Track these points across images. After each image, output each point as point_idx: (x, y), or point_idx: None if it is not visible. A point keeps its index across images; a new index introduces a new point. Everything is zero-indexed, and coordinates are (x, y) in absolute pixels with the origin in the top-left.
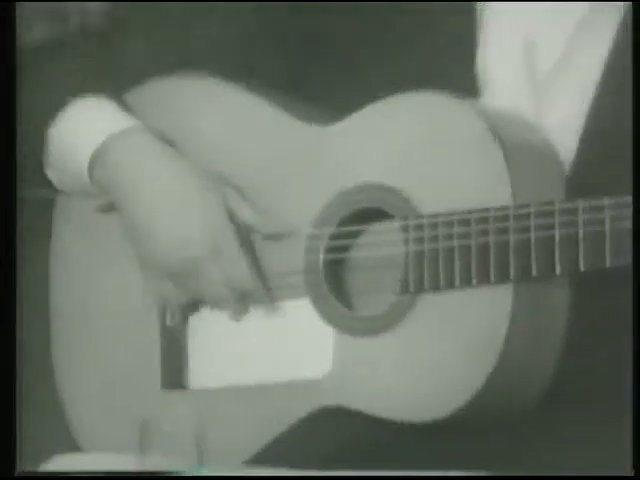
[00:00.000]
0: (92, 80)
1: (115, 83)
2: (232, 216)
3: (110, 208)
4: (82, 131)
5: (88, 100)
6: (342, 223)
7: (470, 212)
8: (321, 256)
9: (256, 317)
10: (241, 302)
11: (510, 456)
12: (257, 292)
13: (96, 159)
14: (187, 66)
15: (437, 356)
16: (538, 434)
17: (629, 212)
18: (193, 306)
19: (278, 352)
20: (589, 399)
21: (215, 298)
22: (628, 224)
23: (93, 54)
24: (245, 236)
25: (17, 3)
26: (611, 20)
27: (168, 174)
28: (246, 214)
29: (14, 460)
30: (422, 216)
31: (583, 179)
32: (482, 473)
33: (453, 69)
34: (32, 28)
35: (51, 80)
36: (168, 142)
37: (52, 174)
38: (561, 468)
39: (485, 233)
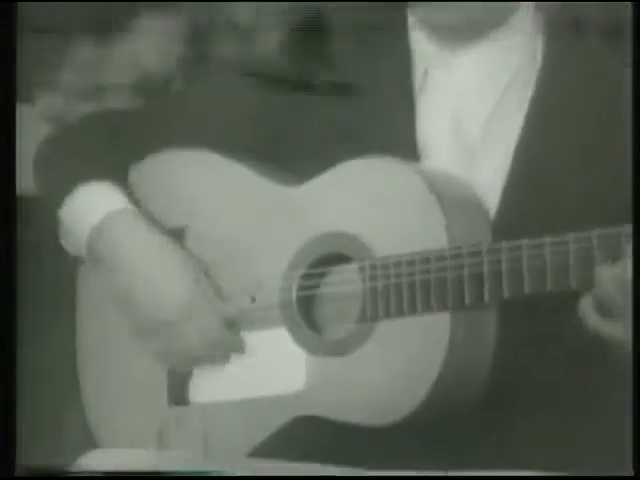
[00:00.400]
0: (99, 163)
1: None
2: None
3: None
4: (82, 213)
5: (90, 186)
6: (311, 266)
7: (414, 254)
8: (294, 293)
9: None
10: (217, 351)
11: (454, 451)
12: (227, 342)
13: (91, 237)
14: (181, 141)
15: (390, 372)
16: (476, 433)
17: (542, 250)
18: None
19: (261, 372)
20: (517, 401)
21: (189, 351)
22: (541, 260)
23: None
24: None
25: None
26: (526, 92)
27: (147, 253)
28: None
29: (14, 460)
30: (375, 258)
31: (505, 224)
32: (428, 465)
33: (399, 136)
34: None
35: (62, 164)
36: (153, 220)
37: (65, 244)
38: (497, 462)
39: (427, 271)
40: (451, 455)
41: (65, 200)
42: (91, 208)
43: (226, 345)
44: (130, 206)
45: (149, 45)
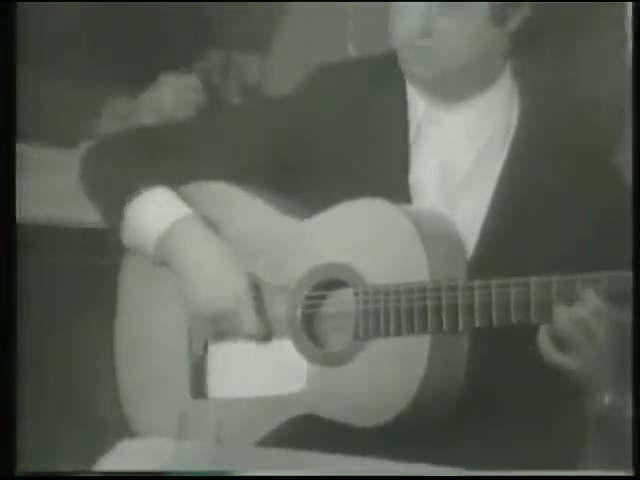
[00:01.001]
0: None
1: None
2: (250, 281)
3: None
4: (150, 218)
5: (154, 192)
6: (314, 288)
7: (400, 285)
8: (299, 310)
9: (255, 350)
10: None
11: (435, 447)
12: (258, 333)
13: (160, 241)
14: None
15: (377, 383)
16: (449, 433)
17: (508, 289)
18: (213, 339)
19: (269, 375)
20: (484, 409)
21: (236, 332)
22: (506, 298)
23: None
24: (258, 294)
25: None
26: (504, 147)
27: (206, 251)
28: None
29: (14, 460)
30: (368, 285)
31: (480, 263)
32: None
33: (395, 178)
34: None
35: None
36: (208, 224)
37: (126, 243)
38: (467, 456)
39: (411, 300)
40: (428, 450)
41: (128, 204)
42: (158, 213)
43: (258, 326)
44: (191, 212)
45: (171, 94)
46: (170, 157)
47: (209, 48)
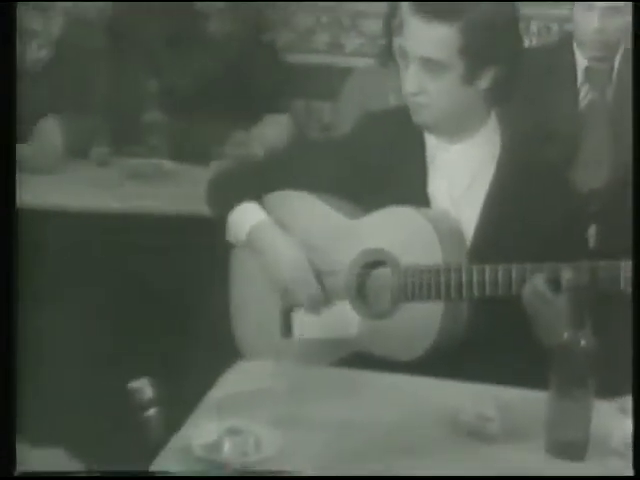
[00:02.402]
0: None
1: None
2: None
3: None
4: (241, 221)
5: (244, 205)
6: (363, 267)
7: (422, 266)
8: (353, 281)
9: (322, 309)
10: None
11: (449, 369)
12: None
13: (248, 237)
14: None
15: (410, 329)
16: (459, 362)
17: (497, 271)
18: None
19: (333, 324)
20: (480, 345)
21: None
22: (495, 277)
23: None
24: (318, 275)
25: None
26: (491, 168)
27: (281, 244)
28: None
29: (14, 460)
30: (400, 265)
31: (476, 251)
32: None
33: (419, 190)
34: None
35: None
36: (282, 225)
37: (230, 238)
38: (472, 376)
39: (430, 277)
40: (445, 372)
41: (232, 211)
42: (247, 217)
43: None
44: (264, 218)
45: (272, 129)
46: (269, 176)
47: (295, 97)
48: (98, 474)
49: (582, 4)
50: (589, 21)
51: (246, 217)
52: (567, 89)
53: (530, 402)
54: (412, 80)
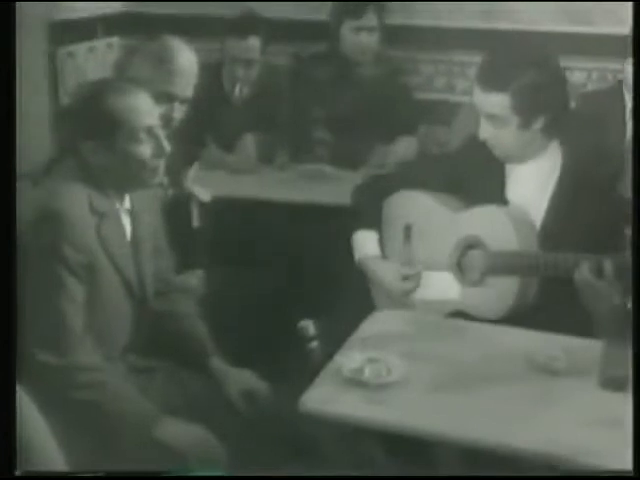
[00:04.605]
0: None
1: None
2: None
3: None
4: (356, 247)
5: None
6: (462, 249)
7: (505, 251)
8: (455, 258)
9: (432, 275)
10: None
11: (522, 324)
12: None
13: (358, 262)
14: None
15: (495, 296)
16: (531, 318)
17: (563, 258)
18: None
19: (441, 289)
20: (543, 307)
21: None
22: (561, 262)
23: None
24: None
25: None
26: (554, 179)
27: (378, 274)
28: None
29: (14, 460)
30: (489, 249)
31: (543, 237)
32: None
33: (501, 194)
34: None
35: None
36: (399, 224)
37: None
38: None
39: (509, 258)
40: (519, 324)
41: (354, 233)
42: (358, 247)
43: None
44: (376, 253)
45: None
46: (400, 181)
47: (420, 124)
48: (100, 474)
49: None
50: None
51: (357, 246)
52: (617, 123)
53: (587, 347)
54: (483, 131)
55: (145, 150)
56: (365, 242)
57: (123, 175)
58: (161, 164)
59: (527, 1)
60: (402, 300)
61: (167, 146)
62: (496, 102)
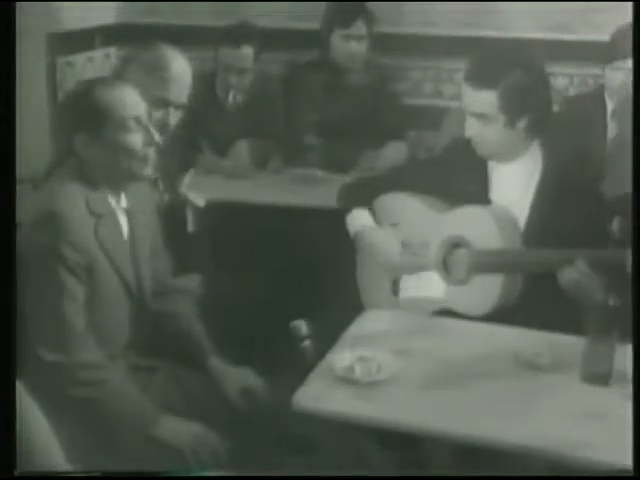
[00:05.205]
0: None
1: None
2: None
3: None
4: (351, 224)
5: (356, 211)
6: (447, 248)
7: (489, 249)
8: (440, 256)
9: (418, 276)
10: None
11: (504, 321)
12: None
13: (355, 237)
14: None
15: (480, 292)
16: (514, 315)
17: (544, 255)
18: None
19: (425, 287)
20: (532, 302)
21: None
22: (543, 259)
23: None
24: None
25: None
26: (535, 179)
27: (377, 242)
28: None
29: (14, 460)
30: (473, 247)
31: (527, 235)
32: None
33: (483, 194)
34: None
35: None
36: (390, 217)
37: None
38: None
39: (495, 257)
40: (508, 316)
41: (348, 214)
42: (355, 222)
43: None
44: (371, 223)
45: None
46: (388, 183)
47: (409, 129)
48: (98, 474)
49: (612, 66)
50: (614, 77)
51: (353, 222)
52: (598, 125)
53: (571, 343)
54: (469, 128)
55: (135, 139)
56: (361, 217)
57: (115, 167)
58: (151, 153)
59: (527, 1)
60: (396, 274)
61: (157, 135)
62: (485, 100)
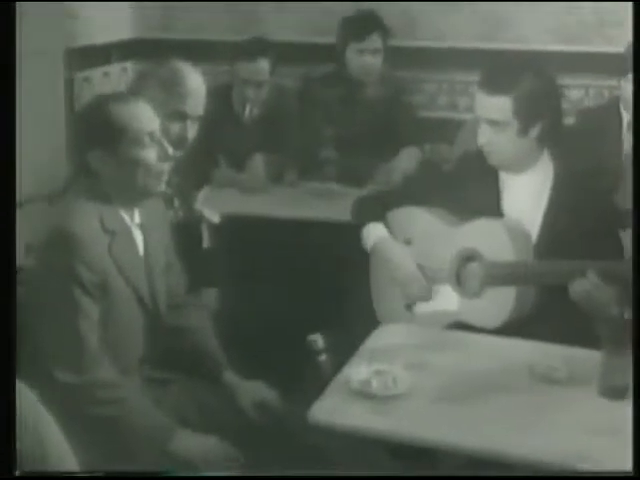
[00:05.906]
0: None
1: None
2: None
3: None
4: (368, 237)
5: (372, 224)
6: (460, 261)
7: (502, 261)
8: (454, 271)
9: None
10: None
11: (519, 334)
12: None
13: (372, 250)
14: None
15: (493, 306)
16: (526, 328)
17: (557, 266)
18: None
19: (440, 301)
20: (541, 315)
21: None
22: (557, 270)
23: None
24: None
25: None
26: (547, 190)
27: (394, 257)
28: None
29: (14, 460)
30: (486, 260)
31: (538, 248)
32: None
33: (497, 209)
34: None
35: None
36: (403, 233)
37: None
38: (537, 335)
39: (507, 269)
40: (522, 329)
41: (364, 227)
42: (371, 235)
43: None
44: (385, 235)
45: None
46: (402, 196)
47: (424, 141)
48: (100, 474)
49: (627, 78)
50: (630, 89)
51: (370, 235)
52: (614, 137)
53: (586, 357)
54: (482, 136)
55: (149, 154)
56: (376, 230)
57: (130, 183)
58: (165, 169)
59: (535, 1)
60: (411, 291)
61: (171, 150)
62: (499, 105)
